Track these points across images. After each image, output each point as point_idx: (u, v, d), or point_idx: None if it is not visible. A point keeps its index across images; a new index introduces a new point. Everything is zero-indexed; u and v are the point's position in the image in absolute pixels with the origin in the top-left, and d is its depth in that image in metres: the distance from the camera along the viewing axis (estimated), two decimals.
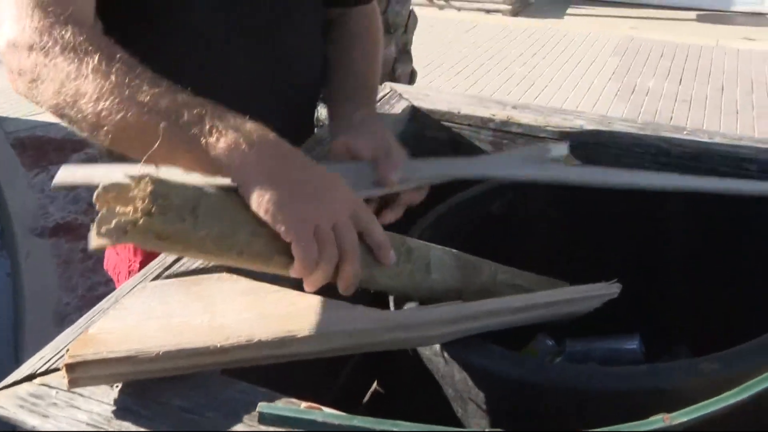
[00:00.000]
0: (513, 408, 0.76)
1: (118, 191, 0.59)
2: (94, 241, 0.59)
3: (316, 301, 0.72)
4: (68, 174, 0.77)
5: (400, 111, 1.29)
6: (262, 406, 0.58)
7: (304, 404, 0.60)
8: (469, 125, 1.28)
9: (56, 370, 0.66)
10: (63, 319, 2.55)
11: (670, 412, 0.65)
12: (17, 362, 0.71)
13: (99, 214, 0.59)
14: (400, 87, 1.40)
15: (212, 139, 0.68)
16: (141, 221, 0.58)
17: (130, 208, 0.59)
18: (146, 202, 0.58)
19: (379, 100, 1.33)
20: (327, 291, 0.73)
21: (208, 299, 0.71)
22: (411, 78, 3.04)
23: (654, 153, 1.16)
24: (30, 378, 0.65)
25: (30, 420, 0.61)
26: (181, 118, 0.69)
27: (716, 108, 4.65)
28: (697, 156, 1.15)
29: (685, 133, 1.20)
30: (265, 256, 0.67)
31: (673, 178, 1.02)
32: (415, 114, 1.32)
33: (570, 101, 4.79)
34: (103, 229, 0.58)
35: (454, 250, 0.88)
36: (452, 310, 0.74)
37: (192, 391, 0.64)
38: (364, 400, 1.33)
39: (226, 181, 0.66)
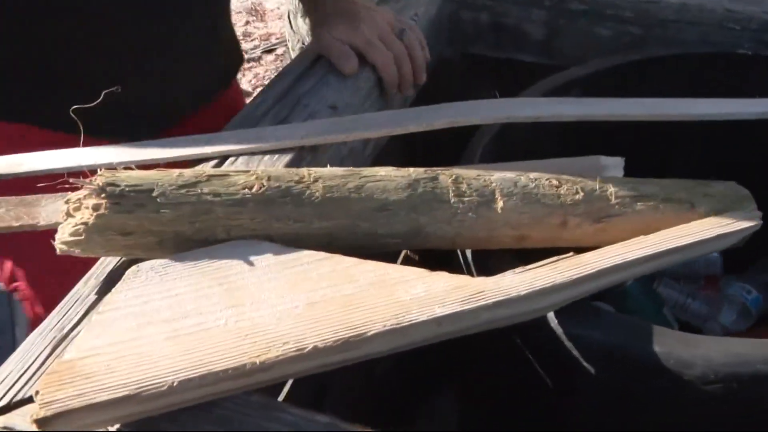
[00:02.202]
0: (645, 396, 0.58)
1: (77, 200, 0.52)
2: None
3: (382, 272, 0.52)
4: None
5: None
6: None
7: None
8: (516, 3, 1.04)
9: (24, 402, 0.46)
10: None
11: None
12: None
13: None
14: None
15: None
16: (93, 219, 0.50)
17: (84, 211, 0.51)
18: (95, 197, 0.51)
19: None
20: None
21: (232, 281, 0.50)
22: None
23: (756, 28, 0.93)
24: None
25: None
26: None
27: None
28: None
29: None
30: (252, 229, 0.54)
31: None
32: None
33: None
34: (61, 242, 0.51)
35: (528, 164, 0.68)
36: (566, 271, 0.54)
37: (220, 427, 0.44)
38: None
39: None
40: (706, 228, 0.63)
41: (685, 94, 0.78)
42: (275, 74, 0.84)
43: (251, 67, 3.05)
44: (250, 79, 3.00)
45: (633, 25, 0.98)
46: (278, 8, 3.51)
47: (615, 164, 0.73)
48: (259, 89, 1.31)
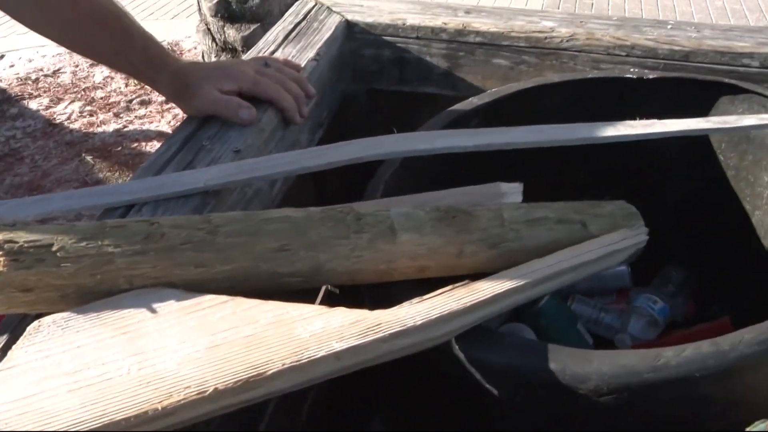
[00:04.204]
0: (544, 409, 0.60)
1: None
2: None
3: (281, 311, 0.53)
4: None
5: (332, 29, 1.07)
6: None
7: None
8: (417, 38, 1.08)
9: None
10: None
11: None
12: None
13: None
14: None
15: None
16: None
17: None
18: None
19: (304, 17, 1.11)
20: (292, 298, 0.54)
21: (134, 330, 0.51)
22: None
23: (639, 55, 0.99)
24: None
25: None
26: None
27: None
28: (687, 55, 0.98)
29: (669, 27, 1.03)
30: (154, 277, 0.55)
31: (583, 129, 0.81)
32: (350, 30, 1.10)
33: None
34: None
35: (427, 197, 0.71)
36: (461, 298, 0.56)
37: None
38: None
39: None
40: (595, 248, 0.66)
41: (579, 115, 0.82)
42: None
43: (170, 108, 3.04)
44: (170, 120, 2.98)
45: (528, 54, 1.03)
46: (195, 48, 3.51)
47: (514, 190, 0.76)
48: None
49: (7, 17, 0.82)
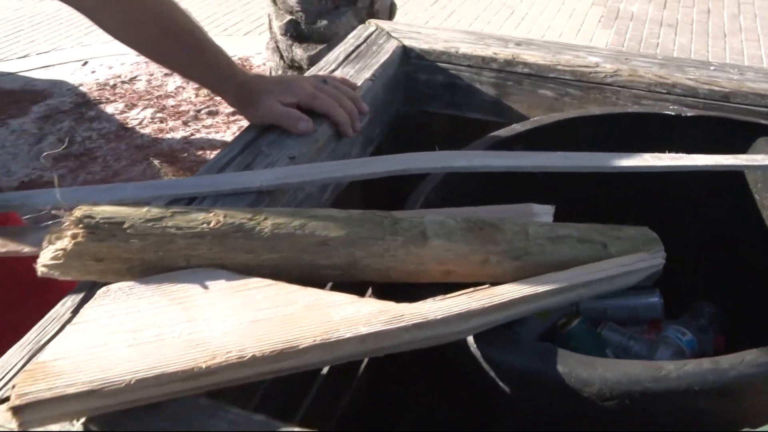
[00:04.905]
0: (551, 411, 0.65)
1: (59, 230, 0.61)
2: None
3: (317, 297, 0.60)
4: None
5: (389, 52, 1.15)
6: None
7: None
8: (468, 66, 1.14)
9: (2, 401, 0.54)
10: None
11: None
12: None
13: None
14: (387, 25, 1.25)
15: None
16: (71, 246, 0.59)
17: (64, 240, 0.60)
18: (74, 228, 0.60)
19: (365, 40, 1.19)
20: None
21: (188, 301, 0.58)
22: (391, 11, 2.86)
23: (679, 93, 1.04)
24: None
25: None
26: None
27: (703, 32, 4.50)
28: (728, 96, 1.02)
29: (712, 69, 1.07)
30: (209, 258, 0.63)
31: (606, 158, 0.85)
32: (406, 55, 1.18)
33: (553, 29, 4.61)
34: (42, 265, 0.59)
35: (462, 210, 0.76)
36: (480, 300, 0.62)
37: (171, 424, 0.52)
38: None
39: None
40: (612, 266, 0.71)
41: (616, 148, 0.87)
42: None
43: (236, 120, 3.16)
44: (235, 131, 3.10)
45: (572, 87, 1.08)
46: (264, 64, 3.64)
47: (545, 212, 0.81)
48: None
49: (94, 27, 0.91)
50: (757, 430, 0.56)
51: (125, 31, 0.90)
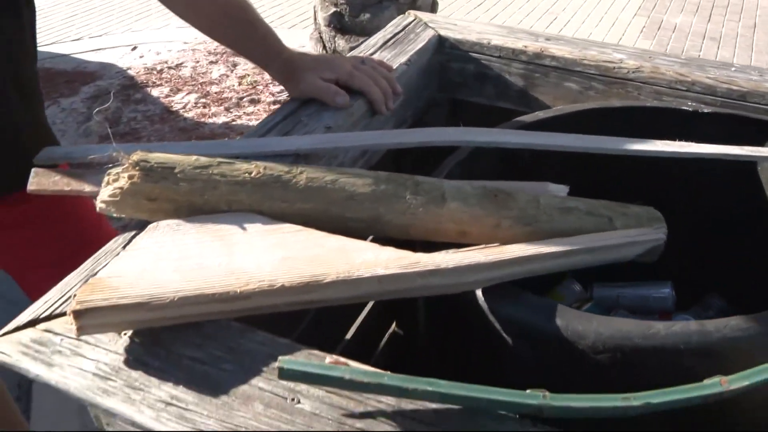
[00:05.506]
0: (550, 362, 0.72)
1: (118, 172, 0.69)
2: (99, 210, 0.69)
3: (343, 243, 0.67)
4: (47, 154, 0.88)
5: (425, 41, 1.22)
6: (283, 361, 0.53)
7: (328, 358, 0.55)
8: (499, 57, 1.20)
9: (61, 315, 0.61)
10: None
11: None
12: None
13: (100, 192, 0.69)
14: (425, 15, 1.32)
15: None
16: (128, 185, 0.67)
17: (122, 179, 0.68)
18: (131, 169, 0.68)
19: (403, 29, 1.26)
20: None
21: (228, 238, 0.66)
22: (432, 9, 2.93)
23: (699, 91, 1.09)
24: (33, 323, 0.60)
25: (33, 368, 0.56)
26: None
27: (747, 47, 4.49)
28: (745, 95, 1.07)
29: (733, 69, 1.12)
30: (248, 204, 0.70)
31: (622, 142, 0.91)
32: (441, 44, 1.24)
33: (594, 38, 4.63)
34: (101, 201, 0.68)
35: (480, 182, 0.83)
36: (489, 255, 0.69)
37: (206, 341, 0.59)
38: (382, 342, 1.29)
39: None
40: (615, 236, 0.77)
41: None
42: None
43: (277, 108, 3.24)
44: None
45: (596, 81, 1.14)
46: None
47: (560, 191, 0.87)
48: None
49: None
50: (731, 376, 0.60)
51: (184, 5, 0.98)
